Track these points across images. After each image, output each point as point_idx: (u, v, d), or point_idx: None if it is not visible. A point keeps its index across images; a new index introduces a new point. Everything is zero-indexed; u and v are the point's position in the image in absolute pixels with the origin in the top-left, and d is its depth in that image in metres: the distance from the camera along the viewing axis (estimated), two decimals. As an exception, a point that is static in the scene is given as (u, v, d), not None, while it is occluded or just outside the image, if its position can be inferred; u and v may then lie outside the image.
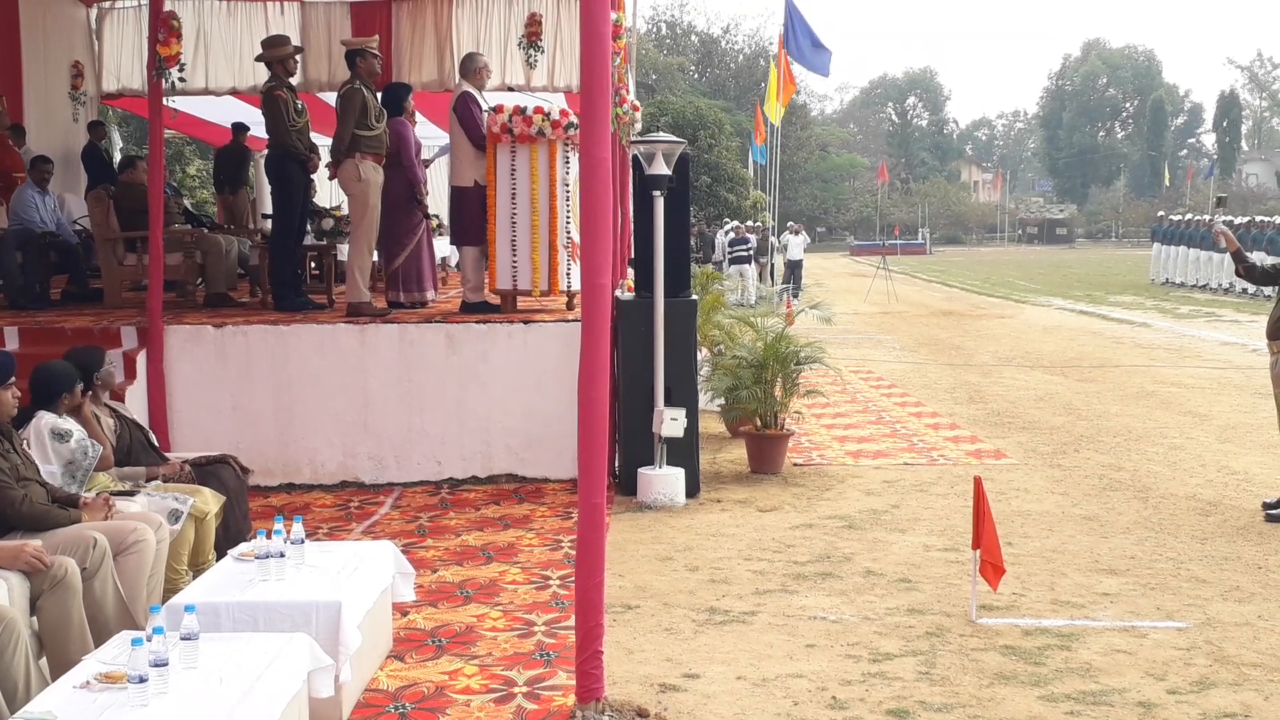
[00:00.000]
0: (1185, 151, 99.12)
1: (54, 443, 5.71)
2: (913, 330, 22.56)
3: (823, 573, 6.88)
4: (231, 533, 6.48)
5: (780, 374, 9.78)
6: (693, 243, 18.45)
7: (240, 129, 14.51)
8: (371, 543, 6.01)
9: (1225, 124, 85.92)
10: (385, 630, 5.57)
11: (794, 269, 31.88)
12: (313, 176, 10.20)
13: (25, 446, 5.53)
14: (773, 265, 31.71)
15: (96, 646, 4.43)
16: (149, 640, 3.75)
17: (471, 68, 9.89)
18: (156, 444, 6.95)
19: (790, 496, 8.81)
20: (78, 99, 13.82)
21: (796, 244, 32.35)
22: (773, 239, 31.69)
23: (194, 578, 5.60)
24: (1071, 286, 35.57)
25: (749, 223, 30.49)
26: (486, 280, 9.63)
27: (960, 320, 24.83)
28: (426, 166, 10.70)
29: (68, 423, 5.89)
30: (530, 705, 4.92)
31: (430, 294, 10.14)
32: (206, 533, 6.20)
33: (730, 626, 5.96)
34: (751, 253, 27.78)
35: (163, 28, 8.51)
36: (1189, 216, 36.32)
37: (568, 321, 8.96)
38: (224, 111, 14.49)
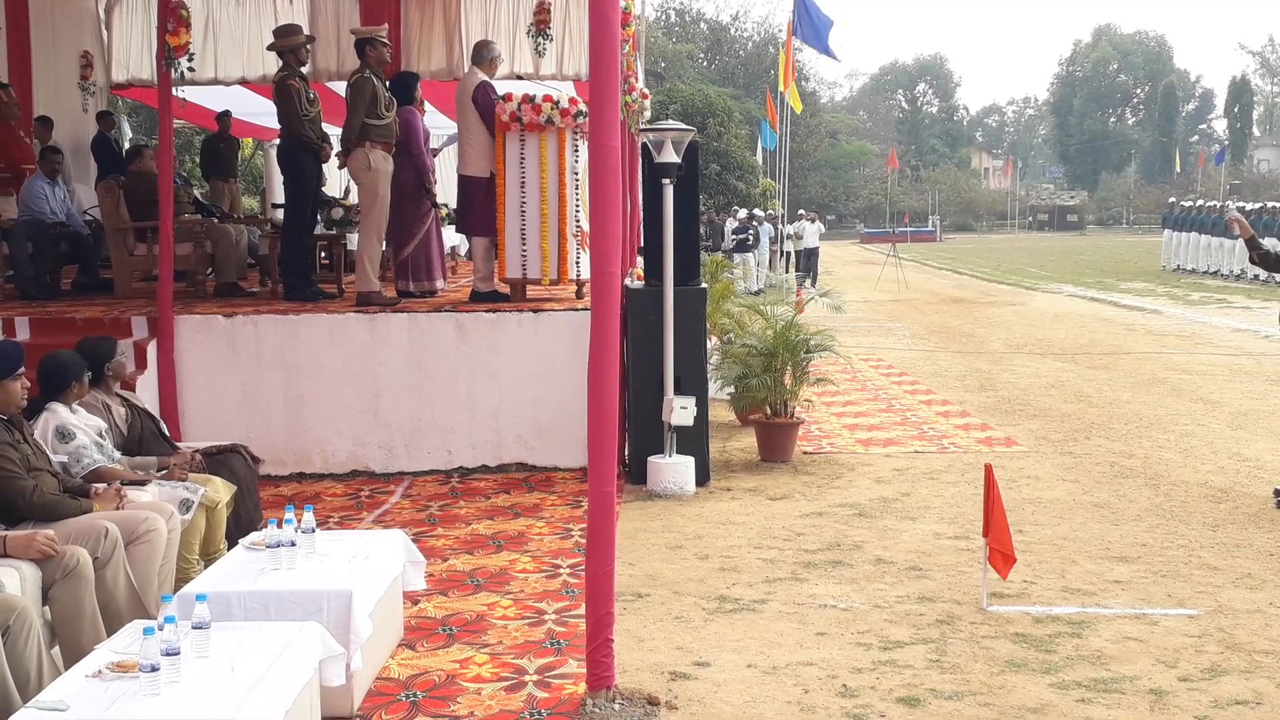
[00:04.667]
0: (1196, 137, 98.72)
1: (55, 441, 5.73)
2: (923, 318, 22.52)
3: (833, 561, 6.87)
4: (242, 522, 6.49)
5: (790, 362, 9.77)
6: (702, 231, 18.46)
7: (223, 117, 14.66)
8: (382, 532, 6.02)
9: (1237, 110, 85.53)
10: (396, 619, 5.58)
11: (809, 257, 31.82)
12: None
13: (36, 437, 5.54)
14: (787, 254, 31.67)
15: (108, 636, 4.45)
16: (161, 629, 3.76)
17: (486, 56, 9.87)
18: (167, 433, 6.96)
19: (800, 485, 8.81)
20: (87, 89, 13.84)
21: (811, 231, 32.29)
22: (784, 227, 31.65)
23: (205, 567, 5.62)
24: (1082, 273, 35.48)
25: (744, 212, 30.47)
26: (496, 269, 9.63)
27: (971, 308, 24.78)
28: (434, 155, 10.69)
29: (78, 420, 5.90)
30: (541, 693, 4.92)
31: (439, 283, 10.14)
32: (218, 522, 6.22)
33: (741, 615, 5.96)
34: (751, 241, 27.75)
35: (171, 17, 8.50)
36: (1200, 203, 36.18)
37: (577, 310, 8.96)
38: (233, 101, 14.50)
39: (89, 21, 13.91)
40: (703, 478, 8.74)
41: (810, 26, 23.35)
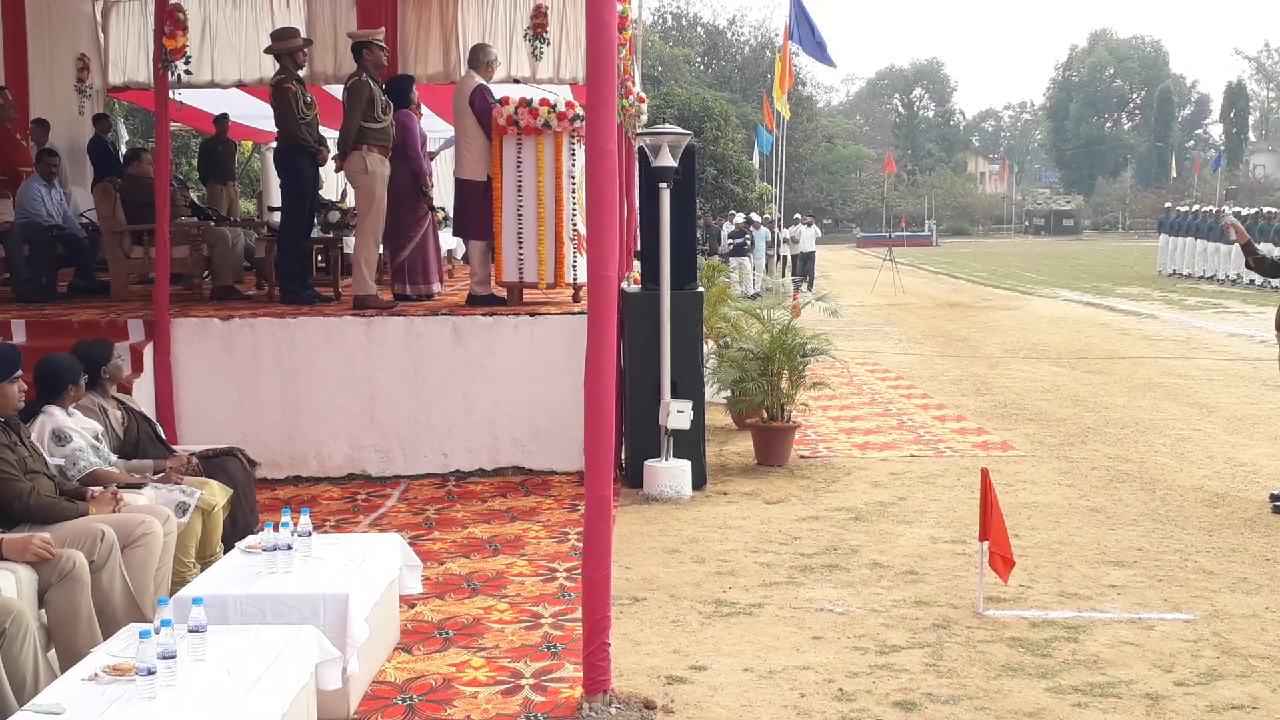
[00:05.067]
0: (1192, 142, 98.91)
1: (51, 444, 5.72)
2: (919, 322, 22.54)
3: (829, 565, 6.87)
4: (239, 525, 6.49)
5: (786, 366, 9.77)
6: (699, 235, 18.47)
7: (221, 120, 14.65)
8: (378, 535, 6.01)
9: (1232, 115, 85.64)
10: (392, 622, 5.58)
11: (806, 261, 31.85)
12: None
13: (33, 439, 5.53)
14: (783, 258, 31.69)
15: (104, 639, 4.45)
16: (157, 633, 3.76)
17: (483, 60, 9.87)
18: (163, 437, 6.95)
19: (797, 489, 8.81)
20: (84, 92, 13.84)
21: (808, 236, 32.34)
22: (780, 231, 31.67)
23: (201, 570, 5.61)
24: (1078, 278, 35.49)
25: (741, 216, 30.50)
26: (493, 273, 9.63)
27: (967, 312, 24.79)
28: (431, 159, 10.69)
29: (74, 423, 5.89)
30: (537, 697, 4.92)
31: (436, 286, 10.14)
32: (214, 525, 6.21)
33: (737, 618, 5.96)
34: (747, 245, 27.76)
35: (168, 20, 8.50)
36: (1196, 208, 36.22)
37: (574, 314, 8.95)
38: (230, 104, 14.50)
39: (86, 24, 13.91)
40: (699, 481, 8.74)
41: (807, 32, 23.40)
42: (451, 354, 8.99)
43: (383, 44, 9.62)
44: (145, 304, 9.47)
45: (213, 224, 11.15)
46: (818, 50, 23.64)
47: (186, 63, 8.77)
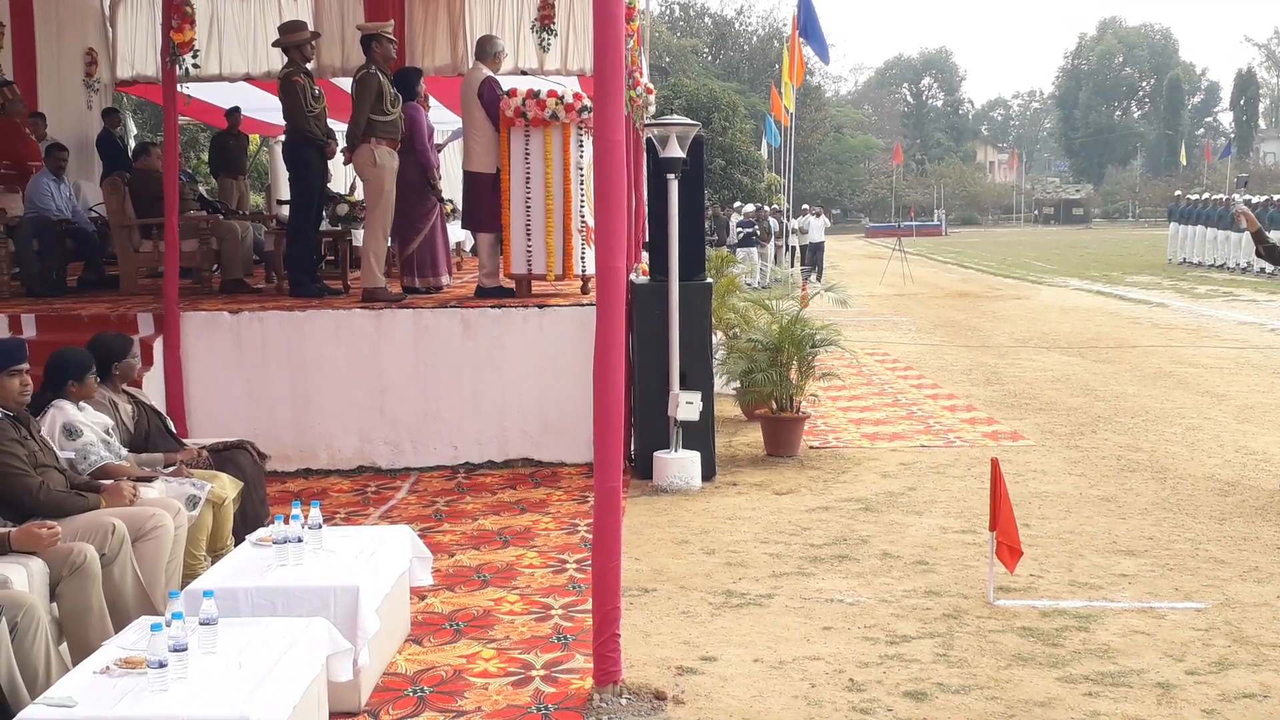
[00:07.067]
0: (1202, 130, 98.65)
1: (62, 438, 5.74)
2: (928, 312, 22.50)
3: (839, 555, 6.87)
4: (249, 518, 6.50)
5: (795, 357, 9.75)
6: (707, 226, 18.45)
7: (232, 113, 14.65)
8: (389, 527, 6.02)
9: (1242, 102, 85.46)
10: (403, 614, 5.59)
11: (815, 251, 31.82)
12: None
13: (43, 434, 5.55)
14: (792, 249, 31.67)
15: (116, 632, 4.46)
16: (168, 625, 3.77)
17: (490, 51, 9.87)
18: (174, 430, 6.97)
19: (806, 479, 8.80)
20: (92, 86, 13.85)
21: (817, 226, 32.31)
22: (788, 222, 31.65)
23: (212, 563, 5.62)
24: (1088, 267, 35.41)
25: (747, 207, 30.50)
26: (501, 265, 9.63)
27: (976, 302, 24.75)
28: (439, 151, 10.69)
29: (85, 417, 5.91)
30: (548, 688, 4.93)
31: (445, 279, 10.14)
32: (224, 518, 6.22)
33: (747, 609, 5.96)
34: (755, 235, 27.77)
35: (176, 14, 8.50)
36: (1206, 196, 36.11)
37: (583, 306, 8.95)
38: (238, 98, 14.51)
39: (93, 18, 13.92)
40: (709, 473, 8.73)
41: (812, 24, 23.35)
42: (460, 346, 9.00)
43: (392, 36, 9.60)
44: (154, 298, 9.49)
45: (221, 217, 11.16)
46: (820, 44, 23.61)
47: (194, 56, 8.76)
